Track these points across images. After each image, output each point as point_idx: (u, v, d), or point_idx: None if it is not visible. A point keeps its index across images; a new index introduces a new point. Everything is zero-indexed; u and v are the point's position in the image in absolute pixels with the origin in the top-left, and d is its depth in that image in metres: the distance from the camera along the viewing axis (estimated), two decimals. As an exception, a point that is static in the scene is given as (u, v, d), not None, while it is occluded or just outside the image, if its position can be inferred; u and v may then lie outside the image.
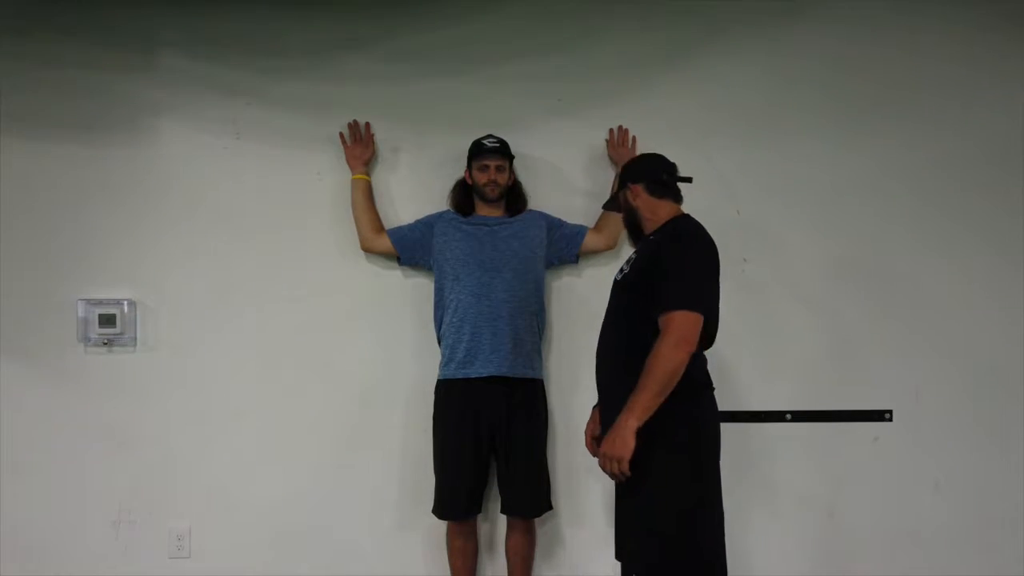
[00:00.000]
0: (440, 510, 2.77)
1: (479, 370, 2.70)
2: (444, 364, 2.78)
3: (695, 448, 2.12)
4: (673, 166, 2.32)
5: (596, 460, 2.17)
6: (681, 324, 2.02)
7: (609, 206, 2.55)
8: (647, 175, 2.30)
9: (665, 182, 2.29)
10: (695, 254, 2.13)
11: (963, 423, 3.04)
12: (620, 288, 2.26)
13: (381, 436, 2.96)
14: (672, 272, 2.08)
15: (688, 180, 2.30)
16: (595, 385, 2.37)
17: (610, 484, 2.94)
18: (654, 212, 2.27)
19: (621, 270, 2.31)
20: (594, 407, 2.46)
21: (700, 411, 2.16)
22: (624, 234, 2.95)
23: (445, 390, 2.78)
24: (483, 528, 2.94)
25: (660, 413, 2.04)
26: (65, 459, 2.89)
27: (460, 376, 2.73)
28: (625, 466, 2.00)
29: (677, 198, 2.31)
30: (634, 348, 2.09)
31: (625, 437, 1.98)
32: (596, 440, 2.38)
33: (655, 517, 2.09)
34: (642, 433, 2.00)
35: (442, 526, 2.84)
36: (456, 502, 2.75)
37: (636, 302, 2.15)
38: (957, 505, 3.03)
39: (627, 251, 3.00)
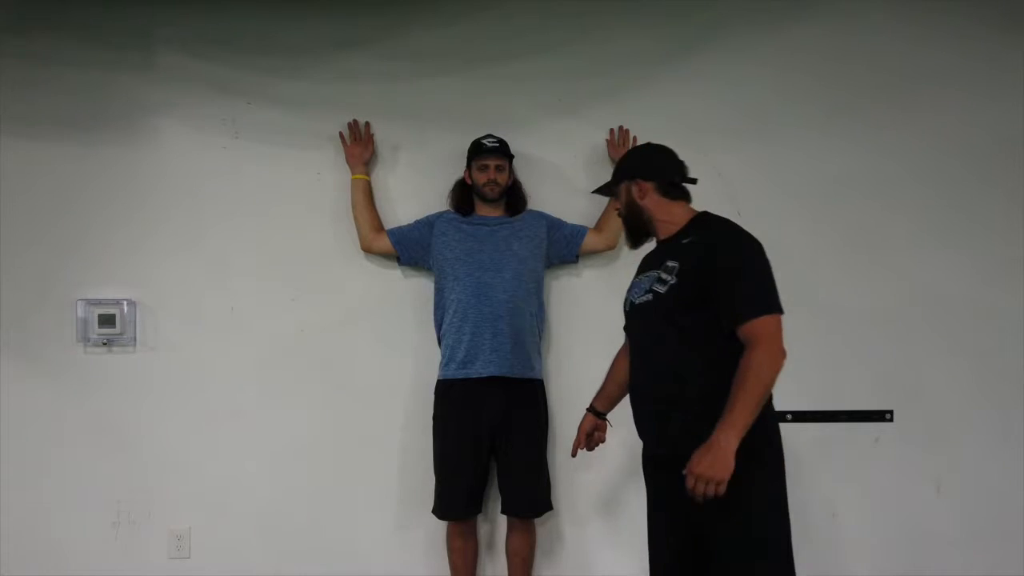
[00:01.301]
0: (440, 510, 2.77)
1: (479, 370, 2.70)
2: (444, 364, 2.78)
3: (776, 456, 2.00)
4: (682, 165, 2.16)
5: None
6: (769, 330, 1.88)
7: (603, 192, 2.31)
8: (659, 174, 2.11)
9: (677, 184, 2.12)
10: (757, 253, 1.95)
11: (964, 423, 3.04)
12: (669, 302, 1.98)
13: (381, 436, 2.96)
14: (743, 276, 1.91)
15: (694, 181, 2.15)
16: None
17: (609, 485, 2.98)
18: (669, 214, 2.09)
19: (652, 289, 2.02)
20: (588, 410, 2.41)
21: (773, 417, 2.00)
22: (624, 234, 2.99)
23: (445, 390, 2.78)
24: (483, 528, 2.94)
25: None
26: (65, 459, 2.89)
27: (460, 376, 2.73)
28: (723, 488, 1.80)
29: (689, 198, 2.14)
30: (710, 366, 1.93)
31: (726, 457, 1.79)
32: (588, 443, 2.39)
33: (754, 535, 1.94)
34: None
35: (442, 526, 2.84)
36: (456, 502, 2.74)
37: (697, 317, 1.94)
38: (958, 505, 3.03)
39: (627, 251, 3.02)
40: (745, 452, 1.82)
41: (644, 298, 2.06)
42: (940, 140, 3.07)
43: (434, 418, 2.80)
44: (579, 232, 2.91)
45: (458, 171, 2.91)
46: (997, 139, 3.07)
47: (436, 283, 2.85)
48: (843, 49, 3.07)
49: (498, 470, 2.79)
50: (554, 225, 2.90)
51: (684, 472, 1.84)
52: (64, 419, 2.89)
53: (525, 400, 2.76)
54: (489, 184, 2.79)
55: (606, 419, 2.41)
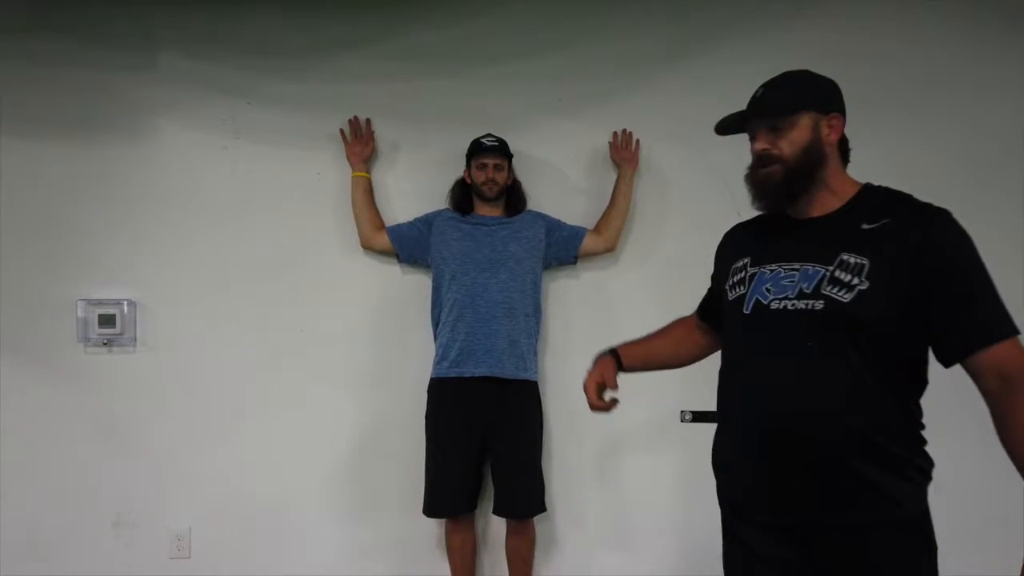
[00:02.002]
0: (429, 508, 2.76)
1: (471, 370, 2.70)
2: (437, 362, 2.78)
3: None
4: None
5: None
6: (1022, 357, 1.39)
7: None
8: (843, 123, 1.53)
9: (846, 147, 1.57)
10: (977, 252, 1.44)
11: (963, 423, 3.02)
12: (860, 314, 1.40)
13: (381, 434, 2.96)
14: (980, 283, 1.43)
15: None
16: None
17: (609, 486, 2.97)
18: (841, 182, 1.55)
19: (823, 293, 1.43)
20: (609, 353, 1.82)
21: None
22: (623, 235, 2.98)
23: (438, 388, 2.77)
24: (481, 527, 2.94)
25: (909, 499, 1.51)
26: (65, 459, 2.89)
27: (453, 375, 2.72)
28: None
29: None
30: (902, 407, 1.53)
31: None
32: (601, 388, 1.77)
33: None
34: (893, 533, 1.48)
35: (441, 525, 2.84)
36: (443, 500, 2.74)
37: (891, 336, 1.42)
38: (957, 505, 3.02)
39: (627, 253, 3.03)
40: (924, 534, 1.49)
41: (802, 303, 1.44)
42: (941, 141, 3.05)
43: (426, 416, 2.80)
44: (578, 234, 2.90)
45: (458, 171, 2.91)
46: (998, 140, 3.06)
47: (433, 281, 2.85)
48: (842, 50, 3.04)
49: (492, 470, 2.79)
50: (553, 226, 2.90)
51: None
52: (64, 419, 2.89)
53: (519, 401, 2.75)
54: (487, 183, 2.79)
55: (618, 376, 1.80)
